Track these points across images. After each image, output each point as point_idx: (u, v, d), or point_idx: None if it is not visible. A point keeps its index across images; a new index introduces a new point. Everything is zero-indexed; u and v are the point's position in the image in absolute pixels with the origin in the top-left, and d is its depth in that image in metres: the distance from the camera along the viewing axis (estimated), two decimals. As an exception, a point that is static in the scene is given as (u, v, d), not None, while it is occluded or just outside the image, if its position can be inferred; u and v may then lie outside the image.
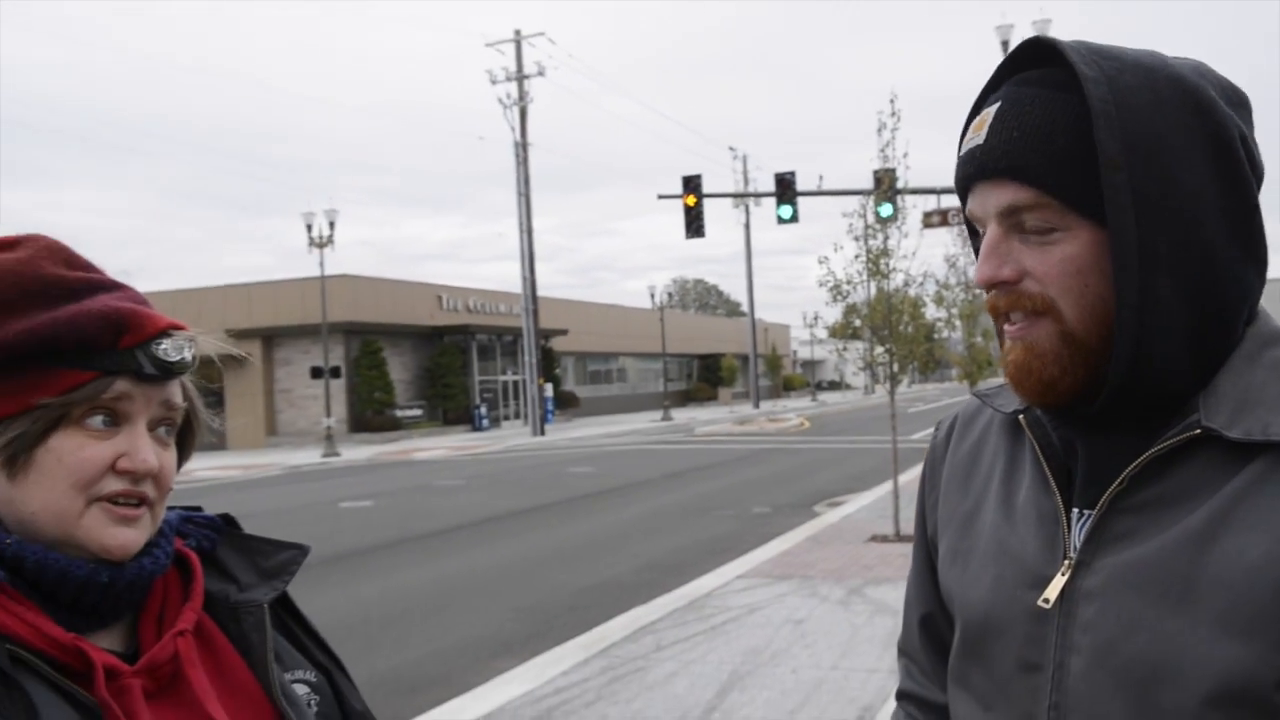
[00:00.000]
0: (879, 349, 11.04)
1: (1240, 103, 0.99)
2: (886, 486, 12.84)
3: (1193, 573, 0.90)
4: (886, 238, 10.74)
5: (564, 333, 47.61)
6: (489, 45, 38.73)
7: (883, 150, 10.83)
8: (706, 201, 27.20)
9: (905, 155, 10.96)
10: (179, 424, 1.04)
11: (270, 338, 37.95)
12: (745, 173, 54.29)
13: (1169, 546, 0.92)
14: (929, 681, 1.23)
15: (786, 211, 25.64)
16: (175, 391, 1.02)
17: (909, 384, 79.01)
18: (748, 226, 56.92)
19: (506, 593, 9.33)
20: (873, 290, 10.90)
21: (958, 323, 15.10)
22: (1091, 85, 0.93)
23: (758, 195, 34.31)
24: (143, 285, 1.06)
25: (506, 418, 44.97)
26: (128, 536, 0.97)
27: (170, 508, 1.07)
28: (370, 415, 37.43)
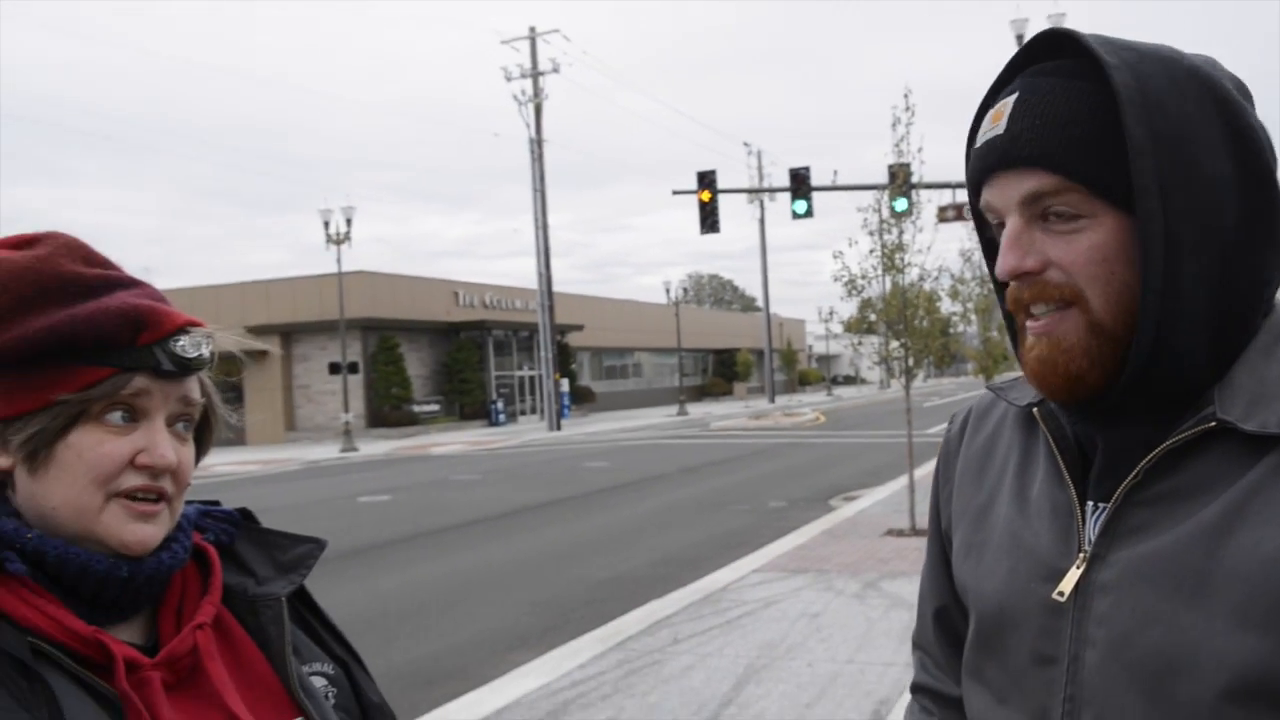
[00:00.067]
0: (894, 343, 11.00)
1: (1247, 97, 0.99)
2: (902, 481, 12.80)
3: (1208, 566, 0.90)
4: (901, 232, 10.70)
5: (580, 328, 47.64)
6: (504, 42, 38.79)
7: (897, 145, 10.80)
8: (721, 197, 27.18)
9: (920, 150, 10.94)
10: (197, 419, 1.05)
11: (288, 334, 38.09)
12: (760, 168, 54.19)
13: (1184, 539, 0.92)
14: (943, 675, 1.23)
15: (801, 207, 25.58)
16: (193, 387, 1.03)
17: (924, 379, 78.74)
18: (762, 222, 56.82)
19: (523, 586, 9.36)
20: (888, 285, 10.86)
21: (973, 317, 15.03)
22: (1116, 72, 0.93)
23: (772, 190, 34.26)
24: (163, 282, 1.08)
25: (523, 413, 45.06)
26: (146, 531, 0.98)
27: (188, 502, 1.08)
28: (388, 411, 37.57)
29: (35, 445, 0.95)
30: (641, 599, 8.35)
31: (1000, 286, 1.12)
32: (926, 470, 12.79)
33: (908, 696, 1.31)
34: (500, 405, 41.92)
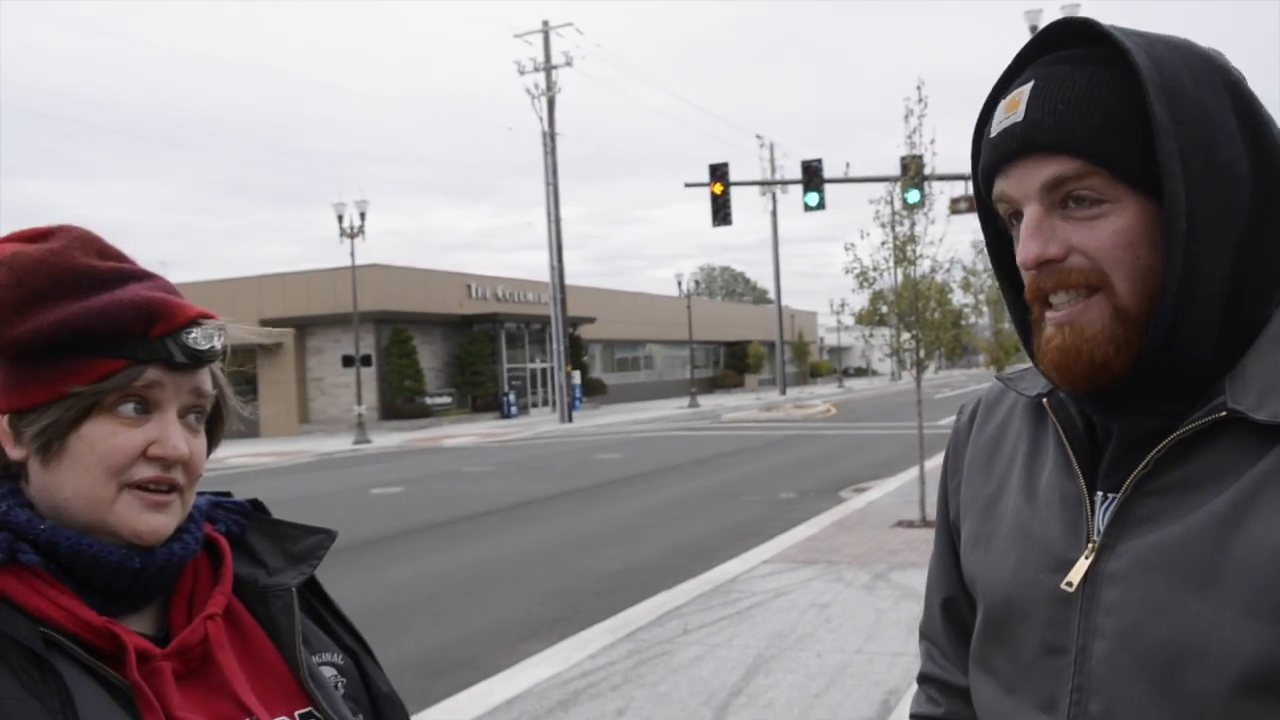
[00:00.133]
0: (905, 335, 10.98)
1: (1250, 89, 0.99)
2: (912, 472, 12.78)
3: (1218, 556, 0.90)
4: (913, 224, 10.69)
5: (592, 321, 47.65)
6: (517, 36, 38.76)
7: (910, 136, 10.76)
8: (733, 189, 27.14)
9: (933, 141, 10.94)
10: (209, 411, 1.06)
11: (302, 327, 38.20)
12: (772, 160, 54.03)
13: (1194, 530, 0.92)
14: (951, 665, 1.23)
15: (813, 199, 25.53)
16: (205, 379, 1.03)
17: (936, 370, 78.49)
18: (774, 214, 56.67)
19: (534, 577, 9.39)
20: (899, 277, 10.84)
21: (985, 309, 15.02)
22: (1137, 55, 0.93)
23: (785, 183, 34.15)
24: (178, 276, 1.09)
25: (535, 405, 45.11)
26: (159, 522, 0.98)
27: (200, 493, 1.09)
28: (401, 403, 37.66)
29: (48, 437, 0.96)
30: (652, 590, 8.37)
31: (1006, 280, 1.12)
32: (937, 462, 12.71)
33: (916, 687, 1.31)
34: (512, 397, 41.96)
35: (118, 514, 0.97)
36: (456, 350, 41.72)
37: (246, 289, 38.43)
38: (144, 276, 1.03)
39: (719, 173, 26.50)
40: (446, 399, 39.96)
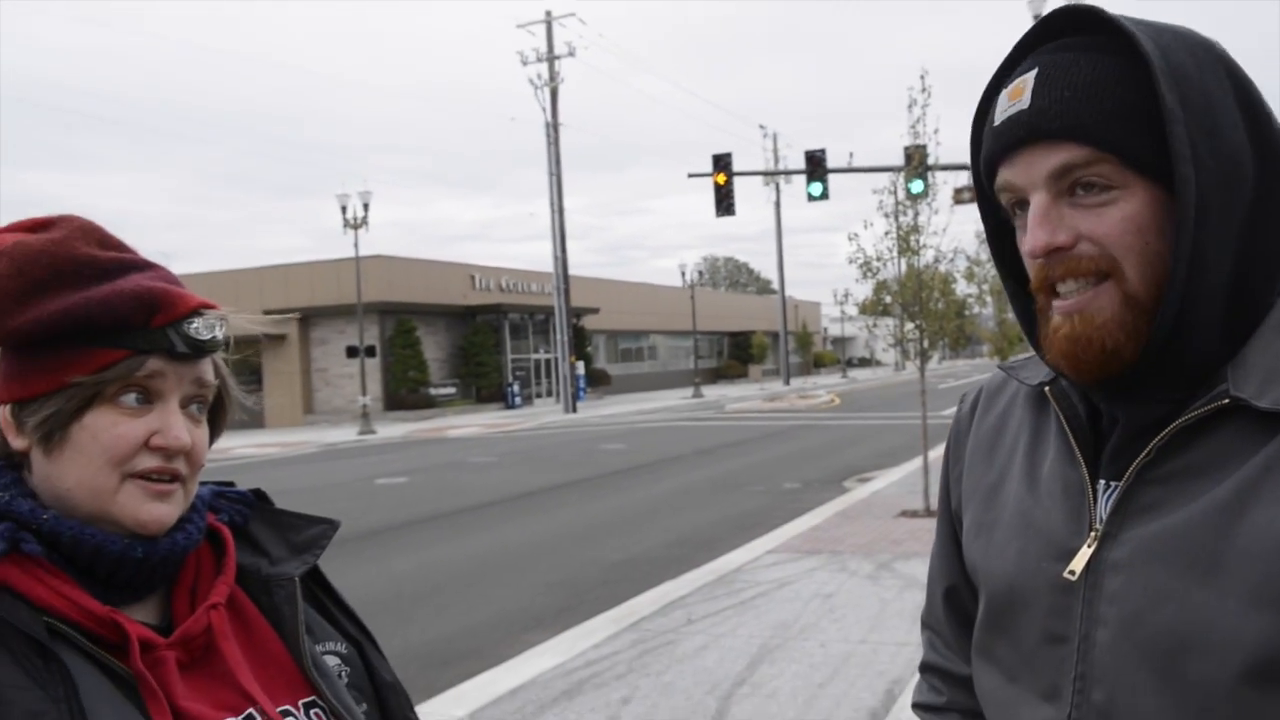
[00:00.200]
0: (909, 325, 10.97)
1: None
2: (916, 462, 12.78)
3: (1221, 544, 0.89)
4: (917, 214, 10.67)
5: (595, 311, 47.63)
6: (520, 26, 38.69)
7: (913, 126, 10.75)
8: (737, 180, 27.08)
9: (936, 131, 10.91)
10: (211, 401, 1.06)
11: (306, 318, 38.21)
12: (775, 150, 53.99)
13: (1196, 518, 0.91)
14: (953, 654, 1.23)
15: (817, 189, 25.47)
16: (207, 369, 1.03)
17: (939, 360, 78.43)
18: (778, 204, 56.61)
19: (538, 567, 9.40)
20: (903, 267, 10.83)
21: (989, 299, 14.97)
22: (1144, 42, 0.92)
23: (788, 173, 34.05)
24: (182, 267, 1.08)
25: (539, 395, 45.14)
26: (161, 511, 0.99)
27: (202, 483, 1.09)
28: (405, 393, 37.70)
29: (50, 427, 0.96)
30: (656, 580, 8.38)
31: (1006, 270, 1.11)
32: (941, 452, 12.75)
33: (918, 677, 1.31)
34: (516, 388, 42.01)
35: (120, 504, 0.97)
36: (460, 341, 41.75)
37: (250, 280, 38.43)
38: (145, 266, 1.03)
39: (722, 163, 26.45)
40: (451, 390, 40.00)
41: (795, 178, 36.53)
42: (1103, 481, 1.00)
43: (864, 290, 12.40)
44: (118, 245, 1.03)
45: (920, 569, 8.00)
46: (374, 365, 37.24)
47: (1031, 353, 1.12)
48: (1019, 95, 0.98)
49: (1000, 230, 1.10)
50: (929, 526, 9.82)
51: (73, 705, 0.87)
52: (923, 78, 10.60)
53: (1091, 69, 0.95)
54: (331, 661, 1.11)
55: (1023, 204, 1.00)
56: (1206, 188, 0.91)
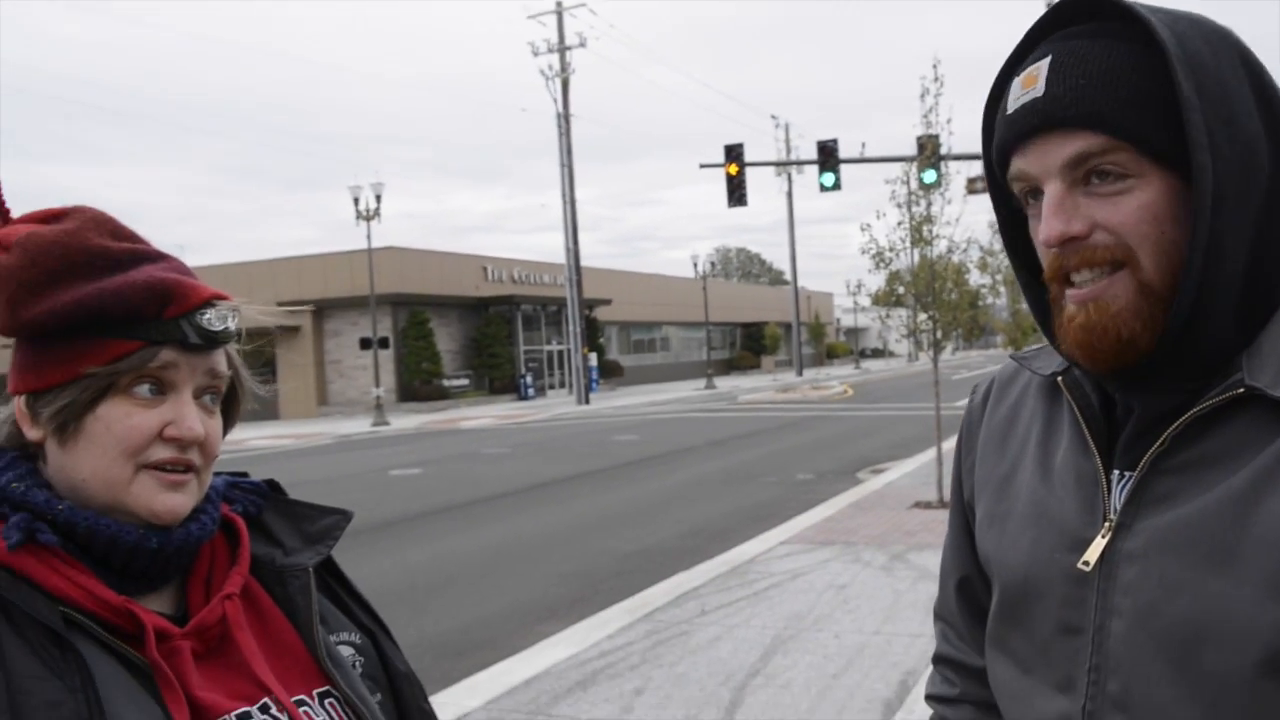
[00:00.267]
0: (922, 316, 10.93)
1: None
2: (930, 453, 12.76)
3: (1236, 534, 0.89)
4: (930, 204, 10.61)
5: (608, 302, 47.65)
6: (531, 17, 38.67)
7: (926, 116, 10.68)
8: (749, 170, 27.01)
9: (949, 121, 10.84)
10: (224, 392, 1.06)
11: (320, 310, 38.34)
12: (787, 141, 53.83)
13: (1211, 507, 0.91)
14: (966, 645, 1.23)
15: (829, 179, 25.37)
16: (220, 360, 1.04)
17: (953, 351, 78.18)
18: (790, 195, 56.42)
19: (552, 558, 9.42)
20: (916, 257, 10.78)
21: (1002, 289, 14.91)
22: (1160, 29, 0.92)
23: (800, 163, 34.04)
24: (196, 259, 1.09)
25: (552, 387, 45.20)
26: (175, 502, 0.99)
27: (217, 474, 1.09)
28: (418, 385, 37.80)
29: (64, 418, 0.96)
30: (669, 571, 8.39)
31: (1019, 260, 1.10)
32: (954, 442, 12.71)
33: (932, 668, 1.31)
34: (529, 379, 42.06)
35: (135, 494, 0.97)
36: (473, 332, 41.82)
37: (263, 272, 38.55)
38: (158, 258, 1.03)
39: (734, 153, 26.38)
40: (464, 381, 40.09)
41: (807, 168, 36.46)
42: (1116, 472, 1.00)
43: (877, 281, 12.35)
44: (130, 236, 1.04)
45: (934, 560, 7.98)
46: (387, 357, 37.36)
47: (1043, 343, 1.11)
48: (1033, 83, 0.97)
49: (1013, 219, 1.09)
50: (943, 518, 9.79)
51: (89, 695, 0.87)
52: (935, 67, 10.55)
53: (1106, 56, 0.94)
54: (346, 652, 1.12)
55: (1036, 193, 0.99)
56: (1223, 176, 0.90)
